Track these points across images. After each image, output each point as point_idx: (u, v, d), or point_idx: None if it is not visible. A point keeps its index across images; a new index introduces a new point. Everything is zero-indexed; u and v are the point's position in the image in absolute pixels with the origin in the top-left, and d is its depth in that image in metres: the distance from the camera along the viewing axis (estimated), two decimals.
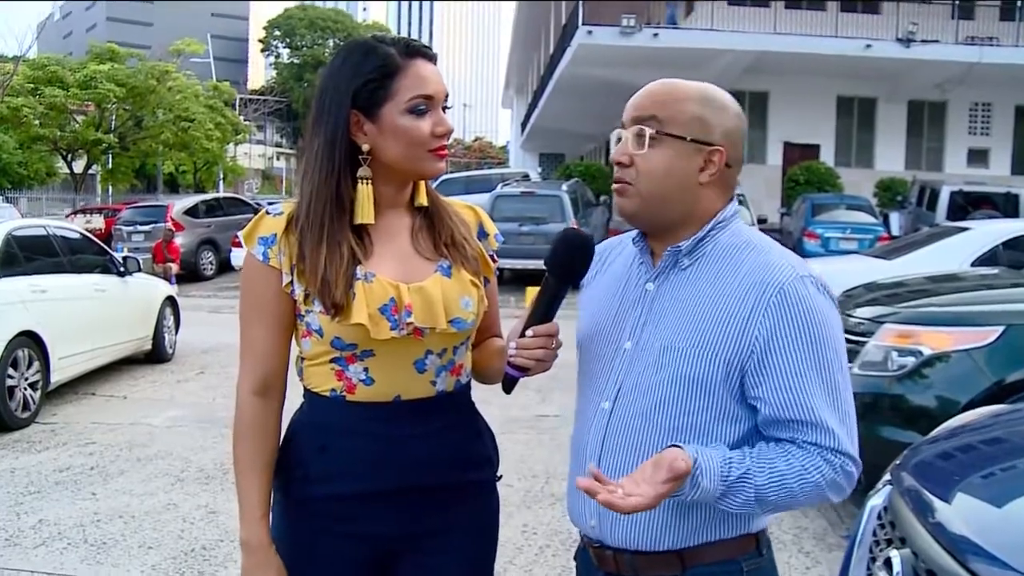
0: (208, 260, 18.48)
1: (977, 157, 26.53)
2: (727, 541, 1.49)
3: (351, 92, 1.58)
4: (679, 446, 1.36)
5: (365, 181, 1.61)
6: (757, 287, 1.44)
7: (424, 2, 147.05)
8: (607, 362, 1.56)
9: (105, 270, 8.36)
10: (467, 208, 1.80)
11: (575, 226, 15.07)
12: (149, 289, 9.24)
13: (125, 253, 10.56)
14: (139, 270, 8.98)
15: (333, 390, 1.62)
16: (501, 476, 1.82)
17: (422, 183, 1.70)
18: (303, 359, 1.67)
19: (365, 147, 1.60)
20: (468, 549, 1.72)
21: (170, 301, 9.49)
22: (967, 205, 16.64)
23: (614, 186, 1.53)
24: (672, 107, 1.49)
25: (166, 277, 13.58)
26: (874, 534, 2.13)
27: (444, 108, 1.63)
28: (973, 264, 7.36)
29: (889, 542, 2.01)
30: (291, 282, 1.60)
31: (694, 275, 1.50)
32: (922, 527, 1.88)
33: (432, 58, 1.63)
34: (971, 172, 24.49)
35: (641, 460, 1.47)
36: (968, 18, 24.50)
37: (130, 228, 18.48)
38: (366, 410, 1.61)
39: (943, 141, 26.70)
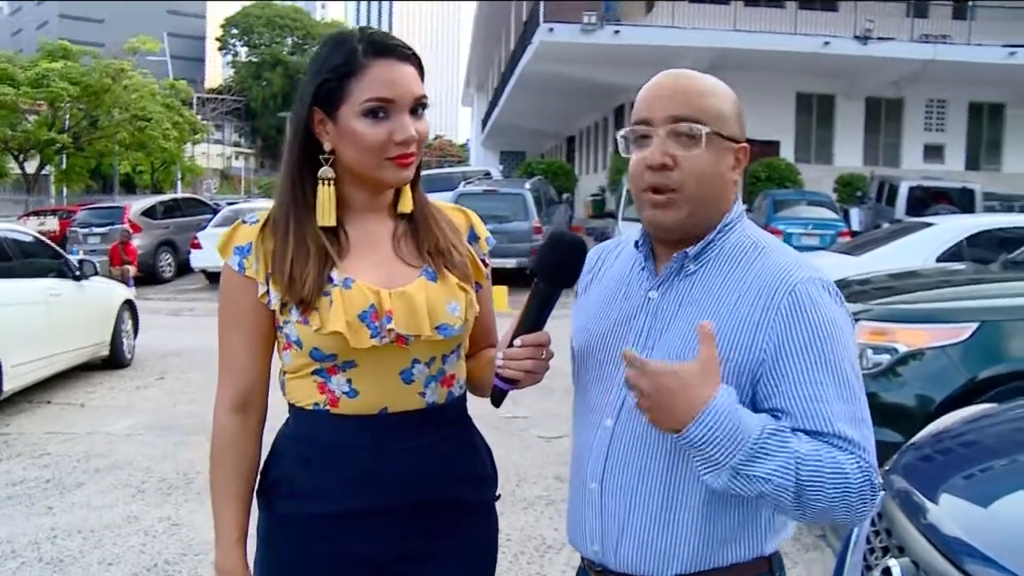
0: (167, 262, 18.22)
1: (933, 153, 26.98)
2: (739, 566, 1.40)
3: (314, 88, 1.51)
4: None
5: (326, 182, 1.53)
6: (767, 290, 1.35)
7: (384, 1, 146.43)
8: (608, 376, 1.46)
9: (60, 274, 8.14)
10: (457, 211, 1.71)
11: (537, 224, 15.06)
12: (106, 293, 9.02)
13: (81, 256, 10.32)
14: (96, 273, 8.78)
15: (316, 404, 1.54)
16: (500, 495, 1.72)
17: (407, 188, 1.60)
18: (285, 373, 1.59)
19: (327, 146, 1.52)
20: (465, 573, 1.63)
21: (128, 305, 9.29)
22: (927, 200, 16.86)
23: (653, 196, 1.39)
24: (710, 103, 1.39)
25: (123, 280, 13.34)
26: (868, 540, 2.08)
27: (418, 111, 1.52)
28: (938, 260, 7.42)
29: (885, 550, 1.96)
30: (267, 292, 1.52)
31: (700, 281, 1.41)
32: (921, 535, 1.83)
33: (405, 57, 1.52)
34: (927, 167, 24.90)
35: (645, 481, 1.39)
36: (922, 16, 24.89)
37: (85, 230, 18.18)
38: (351, 423, 1.53)
39: (900, 137, 27.10)
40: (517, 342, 1.42)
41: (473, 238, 1.69)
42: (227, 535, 1.55)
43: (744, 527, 1.39)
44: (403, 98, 1.49)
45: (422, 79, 1.55)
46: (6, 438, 6.25)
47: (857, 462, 1.28)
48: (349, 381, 1.52)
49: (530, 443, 5.84)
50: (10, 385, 6.78)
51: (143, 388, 8.08)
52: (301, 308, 1.48)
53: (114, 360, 8.85)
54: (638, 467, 1.41)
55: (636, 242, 1.51)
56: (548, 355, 1.44)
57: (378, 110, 1.48)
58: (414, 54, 1.54)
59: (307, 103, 1.51)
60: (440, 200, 1.72)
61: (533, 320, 1.44)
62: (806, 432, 1.30)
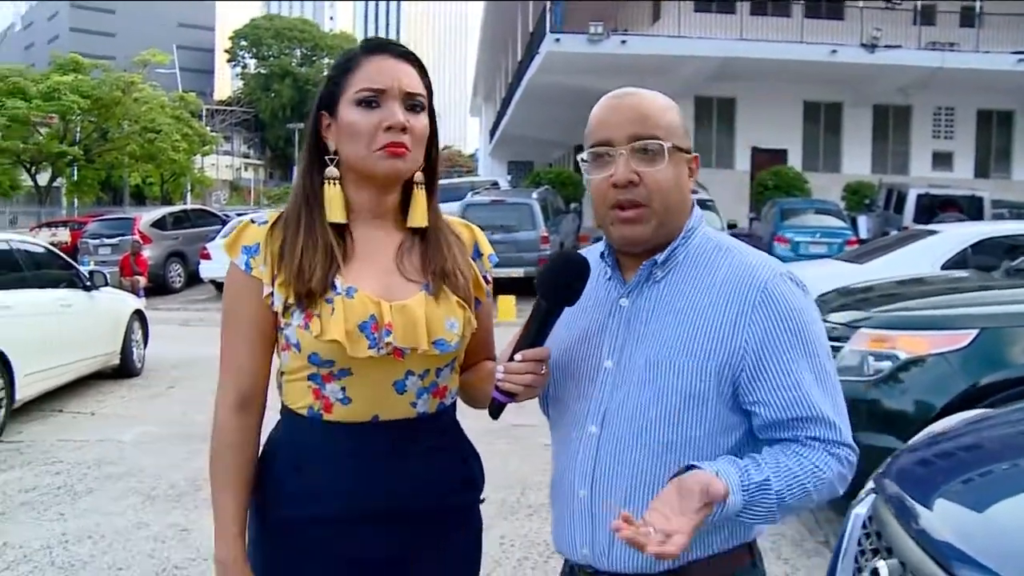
0: (176, 272, 18.33)
1: (941, 160, 26.91)
2: (724, 555, 1.46)
3: (320, 92, 1.61)
4: (697, 466, 1.31)
5: (332, 182, 1.59)
6: (738, 290, 1.42)
7: (392, 1, 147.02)
8: (587, 384, 1.52)
9: (71, 284, 8.23)
10: (463, 226, 1.76)
11: (544, 234, 15.10)
12: (117, 303, 9.11)
13: (92, 267, 10.39)
14: (106, 284, 8.86)
15: (310, 408, 1.58)
16: (484, 499, 1.76)
17: (420, 202, 1.64)
18: (283, 374, 1.63)
19: (332, 146, 1.60)
20: (451, 573, 1.67)
21: (138, 315, 9.37)
22: (935, 207, 16.82)
23: (622, 213, 1.46)
24: (666, 119, 1.47)
25: (134, 290, 13.44)
26: (859, 543, 2.11)
27: (416, 108, 1.58)
28: (943, 267, 7.41)
29: (875, 552, 1.99)
30: (272, 293, 1.57)
31: (669, 285, 1.48)
32: (908, 536, 1.86)
33: (401, 55, 1.59)
34: (936, 175, 24.86)
35: (637, 483, 1.43)
36: (929, 24, 24.88)
37: (96, 241, 18.35)
38: (343, 430, 1.57)
39: (908, 145, 27.05)
40: (518, 356, 1.46)
41: (477, 255, 1.74)
42: (226, 528, 1.58)
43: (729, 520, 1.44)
44: (393, 88, 1.55)
45: (425, 80, 1.61)
46: (19, 446, 6.32)
47: (832, 455, 1.40)
48: (343, 389, 1.55)
49: (534, 450, 5.87)
50: (23, 394, 6.86)
51: (153, 397, 8.15)
52: (304, 309, 1.52)
53: (124, 369, 8.93)
54: (626, 470, 1.45)
55: (602, 253, 1.57)
56: (547, 370, 1.49)
57: (370, 99, 1.55)
58: (411, 53, 1.61)
59: (315, 107, 1.61)
60: (447, 215, 1.76)
61: (534, 336, 1.48)
62: (791, 420, 1.40)
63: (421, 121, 1.58)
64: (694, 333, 1.42)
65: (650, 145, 1.44)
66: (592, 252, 1.62)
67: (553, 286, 1.48)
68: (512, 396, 1.48)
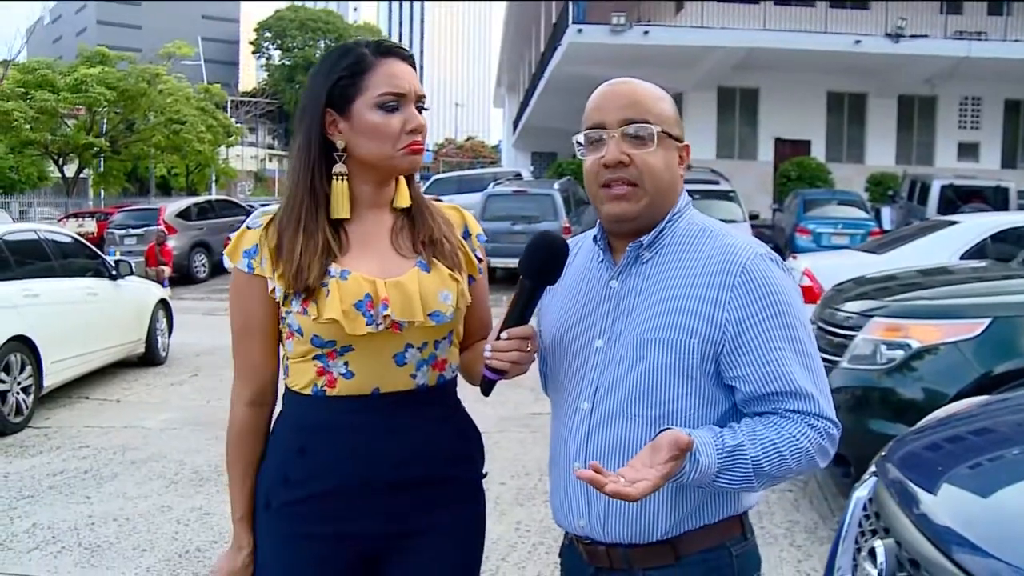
0: (201, 263, 18.47)
1: (967, 151, 26.65)
2: (715, 526, 1.52)
3: (325, 91, 1.64)
4: (670, 429, 1.36)
5: (340, 178, 1.65)
6: (720, 270, 1.48)
7: (415, 1, 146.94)
8: (580, 362, 1.58)
9: (97, 274, 8.36)
10: (452, 209, 1.83)
11: (566, 224, 15.13)
12: (142, 292, 9.22)
13: (117, 256, 10.53)
14: (131, 273, 8.98)
15: (315, 386, 1.65)
16: (486, 474, 1.82)
17: (403, 184, 1.73)
18: (288, 359, 1.70)
19: (340, 144, 1.64)
20: (452, 550, 1.72)
21: (163, 304, 9.49)
22: (959, 198, 16.67)
23: (614, 190, 1.52)
24: (658, 107, 1.54)
25: (159, 280, 13.60)
26: (859, 525, 2.15)
27: (420, 108, 1.66)
28: (962, 257, 7.37)
29: (874, 532, 2.03)
30: (274, 288, 1.64)
31: (656, 266, 1.54)
32: (906, 517, 1.90)
33: (406, 58, 1.67)
34: (961, 166, 24.62)
35: (626, 456, 1.47)
36: (956, 13, 24.61)
37: (122, 232, 18.49)
38: (344, 404, 1.64)
39: (933, 135, 26.79)
40: (504, 335, 1.53)
41: (466, 235, 1.81)
42: (234, 510, 1.73)
43: (718, 493, 1.50)
44: (411, 92, 1.64)
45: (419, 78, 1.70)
46: (47, 431, 6.46)
47: (810, 426, 1.45)
48: (346, 364, 1.63)
49: None
50: (50, 381, 7.00)
51: (177, 385, 8.28)
52: (302, 298, 1.60)
53: (149, 358, 9.06)
54: (616, 444, 1.52)
55: (594, 237, 1.63)
56: (533, 347, 1.55)
57: (391, 103, 1.62)
58: (412, 55, 1.69)
59: (320, 105, 1.64)
60: (441, 202, 1.84)
61: (519, 315, 1.55)
62: (770, 395, 1.45)
63: (425, 118, 1.67)
64: (678, 312, 1.48)
65: (640, 129, 1.50)
66: (586, 237, 1.68)
67: (534, 267, 1.55)
68: (501, 373, 1.54)
